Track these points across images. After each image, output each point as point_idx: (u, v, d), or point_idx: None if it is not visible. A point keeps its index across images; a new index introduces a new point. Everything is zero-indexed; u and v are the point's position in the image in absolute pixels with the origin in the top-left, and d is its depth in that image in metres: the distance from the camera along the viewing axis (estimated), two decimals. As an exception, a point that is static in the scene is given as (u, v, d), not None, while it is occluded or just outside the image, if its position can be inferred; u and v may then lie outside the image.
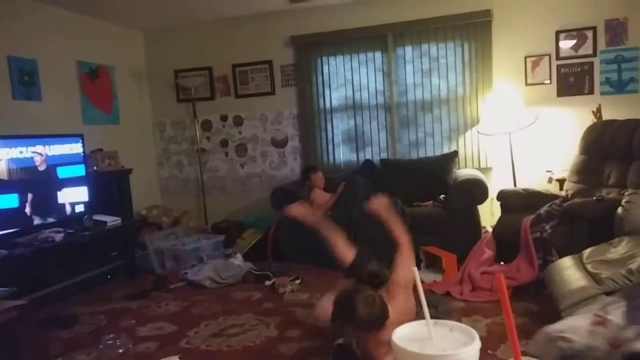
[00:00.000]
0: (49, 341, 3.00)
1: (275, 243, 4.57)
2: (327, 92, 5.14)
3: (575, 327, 1.59)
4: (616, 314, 1.57)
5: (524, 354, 0.54)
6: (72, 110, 4.58)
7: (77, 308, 3.61)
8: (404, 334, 0.63)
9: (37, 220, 3.68)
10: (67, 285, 3.87)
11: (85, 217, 4.01)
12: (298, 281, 3.84)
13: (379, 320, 2.00)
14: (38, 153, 3.70)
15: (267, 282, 3.90)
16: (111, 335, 2.92)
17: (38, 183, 3.74)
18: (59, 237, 3.57)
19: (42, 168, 3.77)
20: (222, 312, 3.40)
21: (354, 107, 5.10)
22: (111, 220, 4.13)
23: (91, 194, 4.11)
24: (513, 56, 4.62)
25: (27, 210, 3.62)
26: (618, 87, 4.38)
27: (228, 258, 4.31)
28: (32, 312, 2.59)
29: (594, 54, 4.42)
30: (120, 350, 2.70)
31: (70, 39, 4.59)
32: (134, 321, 3.35)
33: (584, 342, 1.50)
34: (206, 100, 5.49)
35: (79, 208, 4.03)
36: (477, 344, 0.57)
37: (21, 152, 3.62)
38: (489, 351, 2.42)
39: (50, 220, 3.78)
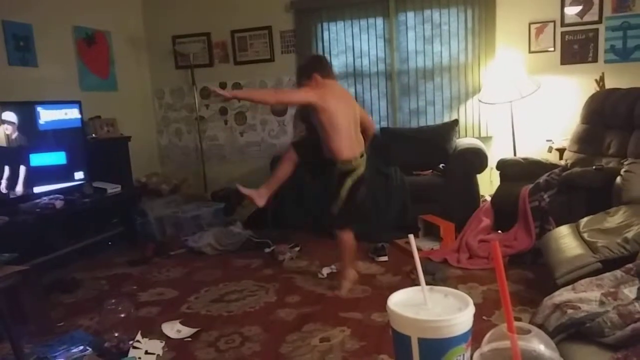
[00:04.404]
0: (51, 306, 3.06)
1: (274, 211, 4.59)
2: (327, 59, 5.05)
3: (584, 297, 1.59)
4: (630, 290, 1.56)
5: (518, 320, 0.55)
6: (69, 76, 4.52)
7: (78, 274, 3.66)
8: (399, 300, 0.63)
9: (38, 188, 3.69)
10: (68, 252, 3.90)
11: (85, 184, 4.01)
12: (297, 249, 3.88)
13: None
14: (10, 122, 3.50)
15: (267, 250, 3.94)
16: (113, 300, 2.96)
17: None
18: (59, 204, 3.58)
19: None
20: (222, 278, 3.45)
21: (354, 75, 5.03)
22: (111, 188, 4.14)
23: (90, 161, 4.11)
24: (517, 23, 4.52)
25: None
26: (623, 55, 4.31)
27: (228, 226, 4.34)
28: (34, 277, 2.62)
29: (600, 21, 4.33)
30: (122, 315, 2.74)
31: (66, 3, 4.48)
32: (135, 287, 3.40)
33: (594, 310, 1.49)
34: (205, 67, 5.41)
35: (79, 175, 4.03)
36: (470, 310, 0.58)
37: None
38: (484, 317, 2.47)
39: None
